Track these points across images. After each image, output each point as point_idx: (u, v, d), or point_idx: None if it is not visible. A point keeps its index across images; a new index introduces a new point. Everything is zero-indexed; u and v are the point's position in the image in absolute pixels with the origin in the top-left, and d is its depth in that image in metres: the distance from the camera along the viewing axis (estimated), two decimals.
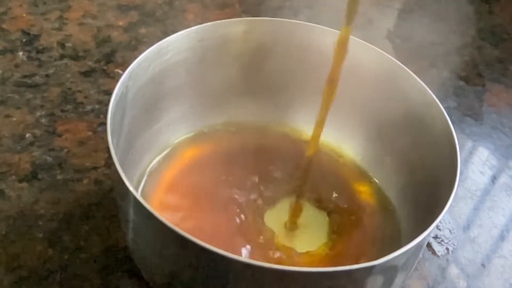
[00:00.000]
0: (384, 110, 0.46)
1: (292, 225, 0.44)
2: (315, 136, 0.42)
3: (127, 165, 0.41)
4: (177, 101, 0.46)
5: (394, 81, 0.45)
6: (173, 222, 0.31)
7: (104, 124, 0.51)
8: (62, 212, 0.44)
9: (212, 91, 0.48)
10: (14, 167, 0.47)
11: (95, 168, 0.48)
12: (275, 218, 0.44)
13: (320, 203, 0.45)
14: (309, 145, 0.43)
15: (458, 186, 0.36)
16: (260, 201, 0.44)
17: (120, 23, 0.62)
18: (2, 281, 0.40)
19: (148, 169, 0.45)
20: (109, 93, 0.48)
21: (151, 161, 0.45)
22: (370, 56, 0.46)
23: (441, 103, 0.42)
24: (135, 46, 0.59)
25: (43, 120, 0.51)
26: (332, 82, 0.40)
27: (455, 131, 0.40)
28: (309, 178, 0.46)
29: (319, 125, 0.42)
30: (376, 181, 0.47)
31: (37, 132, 0.50)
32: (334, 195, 0.46)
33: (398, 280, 0.36)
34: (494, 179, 0.54)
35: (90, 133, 0.50)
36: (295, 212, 0.44)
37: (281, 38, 0.47)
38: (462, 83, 0.64)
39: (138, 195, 0.32)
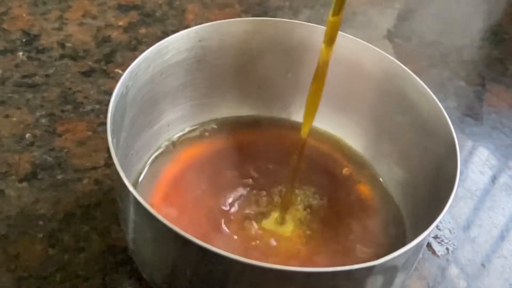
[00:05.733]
0: (384, 110, 0.46)
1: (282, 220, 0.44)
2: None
3: (127, 165, 0.41)
4: (177, 101, 0.46)
5: (394, 81, 0.45)
6: (173, 222, 0.31)
7: (104, 124, 0.51)
8: (62, 212, 0.44)
9: (212, 91, 0.48)
10: (14, 167, 0.47)
11: (95, 168, 0.48)
12: (275, 216, 0.44)
13: (320, 200, 0.45)
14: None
15: (458, 186, 0.36)
16: (259, 200, 0.44)
17: (120, 23, 0.62)
18: (2, 281, 0.40)
19: (148, 169, 0.45)
20: (109, 93, 0.48)
21: (151, 161, 0.45)
22: (370, 56, 0.46)
23: (441, 103, 0.42)
24: (135, 46, 0.59)
25: (43, 120, 0.51)
26: (319, 78, 0.40)
27: (455, 131, 0.40)
28: (310, 176, 0.46)
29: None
30: (376, 180, 0.47)
31: (37, 132, 0.50)
32: (335, 194, 0.46)
33: (398, 280, 0.36)
34: (494, 179, 0.54)
35: (90, 133, 0.50)
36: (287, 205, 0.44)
37: (281, 38, 0.47)
38: (462, 83, 0.64)
39: (138, 195, 0.32)
